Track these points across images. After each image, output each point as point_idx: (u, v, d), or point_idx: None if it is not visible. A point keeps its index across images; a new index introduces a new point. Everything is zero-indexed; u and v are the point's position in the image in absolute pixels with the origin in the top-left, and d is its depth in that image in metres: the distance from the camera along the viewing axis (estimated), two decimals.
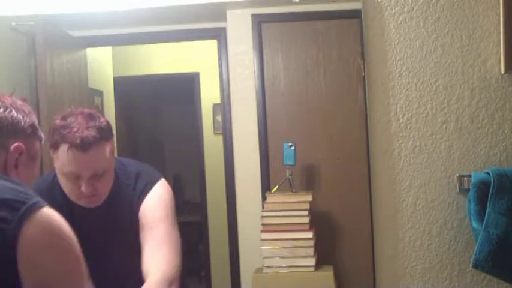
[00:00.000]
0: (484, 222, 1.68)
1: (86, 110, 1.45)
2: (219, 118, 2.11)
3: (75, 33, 2.03)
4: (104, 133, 1.42)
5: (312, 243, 1.81)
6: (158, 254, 1.43)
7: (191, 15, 1.98)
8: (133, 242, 1.48)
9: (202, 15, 1.98)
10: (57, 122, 1.42)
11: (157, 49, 2.30)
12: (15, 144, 1.04)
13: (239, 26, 1.96)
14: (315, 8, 1.93)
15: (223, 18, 1.95)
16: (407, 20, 1.83)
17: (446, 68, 1.82)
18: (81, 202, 1.47)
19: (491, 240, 1.66)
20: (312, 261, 1.80)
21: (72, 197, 1.47)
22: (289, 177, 1.87)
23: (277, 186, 1.89)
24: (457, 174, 1.82)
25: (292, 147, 1.86)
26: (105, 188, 1.48)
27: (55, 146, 1.40)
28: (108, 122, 1.46)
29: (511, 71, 1.80)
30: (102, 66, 2.32)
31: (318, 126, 1.96)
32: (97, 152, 1.40)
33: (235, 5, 1.93)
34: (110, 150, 1.45)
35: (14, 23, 1.93)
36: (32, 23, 1.93)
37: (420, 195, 1.83)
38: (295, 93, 1.97)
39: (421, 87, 1.83)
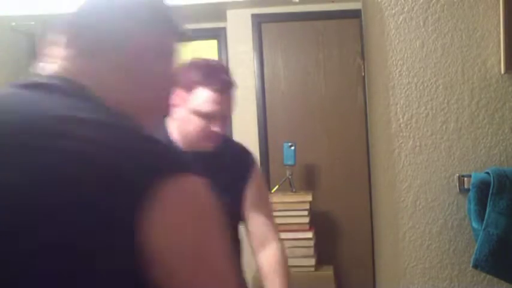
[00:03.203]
0: (484, 222, 1.68)
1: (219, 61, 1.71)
2: None
3: None
4: (234, 81, 1.62)
5: (312, 243, 1.81)
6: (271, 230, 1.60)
7: (191, 15, 1.98)
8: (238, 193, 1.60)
9: (202, 15, 1.98)
10: (192, 65, 1.58)
11: None
12: None
13: (239, 26, 1.96)
14: (315, 8, 1.93)
15: (223, 18, 1.95)
16: (407, 20, 1.83)
17: (446, 68, 1.82)
18: (203, 144, 1.59)
19: (491, 240, 1.66)
20: (312, 261, 1.80)
21: (194, 138, 1.59)
22: (289, 177, 1.87)
23: (277, 186, 1.89)
24: (457, 174, 1.82)
25: (292, 147, 1.86)
26: (224, 131, 1.63)
27: (191, 87, 1.56)
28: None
29: (511, 71, 1.80)
30: None
31: (318, 126, 1.96)
32: (231, 96, 1.59)
33: (235, 5, 1.93)
34: (234, 98, 1.64)
35: (14, 23, 1.93)
36: (32, 23, 1.93)
37: (420, 195, 1.83)
38: (295, 93, 1.97)
39: (421, 87, 1.83)
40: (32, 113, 0.67)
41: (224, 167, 1.64)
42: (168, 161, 0.67)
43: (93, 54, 0.76)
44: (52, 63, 0.78)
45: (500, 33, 1.80)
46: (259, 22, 1.94)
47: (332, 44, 1.94)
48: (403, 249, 1.84)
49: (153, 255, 0.60)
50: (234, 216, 1.56)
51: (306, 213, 1.82)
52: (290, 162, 1.86)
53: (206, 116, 1.57)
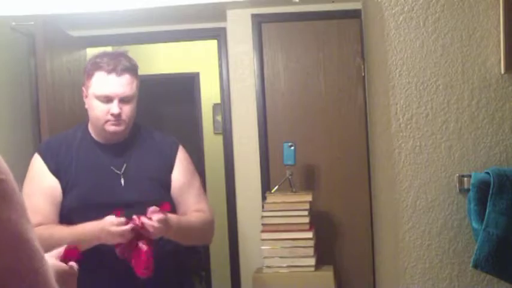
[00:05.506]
0: (484, 222, 1.68)
1: (120, 50, 1.75)
2: (219, 118, 2.11)
3: (75, 33, 2.03)
4: (133, 69, 1.67)
5: (312, 243, 1.81)
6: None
7: (191, 15, 1.98)
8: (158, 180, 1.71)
9: (202, 15, 1.98)
10: (93, 57, 1.68)
11: (157, 49, 2.30)
12: None
13: (239, 26, 1.96)
14: (315, 8, 1.93)
15: (223, 18, 1.95)
16: (407, 20, 1.83)
17: (446, 68, 1.82)
18: (108, 125, 1.65)
19: (491, 240, 1.66)
20: (311, 261, 1.80)
21: (100, 122, 1.65)
22: (289, 177, 1.87)
23: (277, 186, 1.89)
24: (457, 174, 1.82)
25: (292, 147, 1.86)
26: (129, 115, 1.67)
27: (90, 74, 1.63)
28: (136, 64, 1.70)
29: (511, 71, 1.80)
30: None
31: (318, 126, 1.96)
32: (127, 80, 1.64)
33: (235, 5, 1.93)
34: (136, 85, 1.68)
35: (14, 23, 1.93)
36: (32, 23, 1.93)
37: (420, 195, 1.83)
38: (295, 93, 1.97)
39: (421, 87, 1.83)
40: None
41: (142, 155, 1.72)
42: None
43: None
44: None
45: (500, 33, 1.80)
46: (259, 22, 1.94)
47: (332, 44, 1.94)
48: (403, 249, 1.84)
49: None
50: (157, 204, 1.58)
51: (306, 213, 1.82)
52: (290, 162, 1.86)
53: (105, 99, 1.63)
